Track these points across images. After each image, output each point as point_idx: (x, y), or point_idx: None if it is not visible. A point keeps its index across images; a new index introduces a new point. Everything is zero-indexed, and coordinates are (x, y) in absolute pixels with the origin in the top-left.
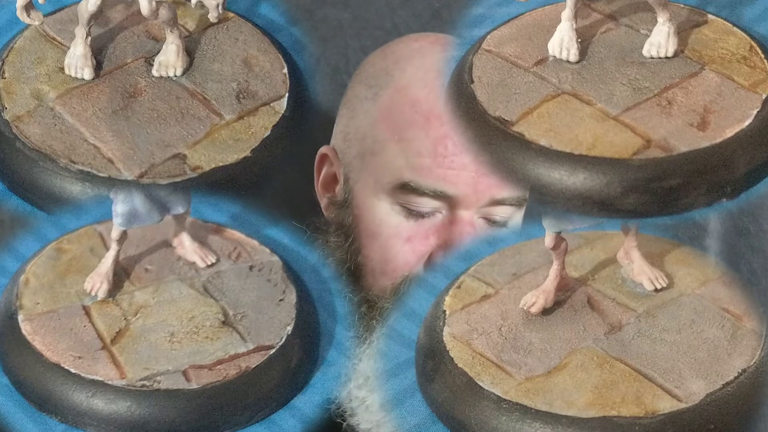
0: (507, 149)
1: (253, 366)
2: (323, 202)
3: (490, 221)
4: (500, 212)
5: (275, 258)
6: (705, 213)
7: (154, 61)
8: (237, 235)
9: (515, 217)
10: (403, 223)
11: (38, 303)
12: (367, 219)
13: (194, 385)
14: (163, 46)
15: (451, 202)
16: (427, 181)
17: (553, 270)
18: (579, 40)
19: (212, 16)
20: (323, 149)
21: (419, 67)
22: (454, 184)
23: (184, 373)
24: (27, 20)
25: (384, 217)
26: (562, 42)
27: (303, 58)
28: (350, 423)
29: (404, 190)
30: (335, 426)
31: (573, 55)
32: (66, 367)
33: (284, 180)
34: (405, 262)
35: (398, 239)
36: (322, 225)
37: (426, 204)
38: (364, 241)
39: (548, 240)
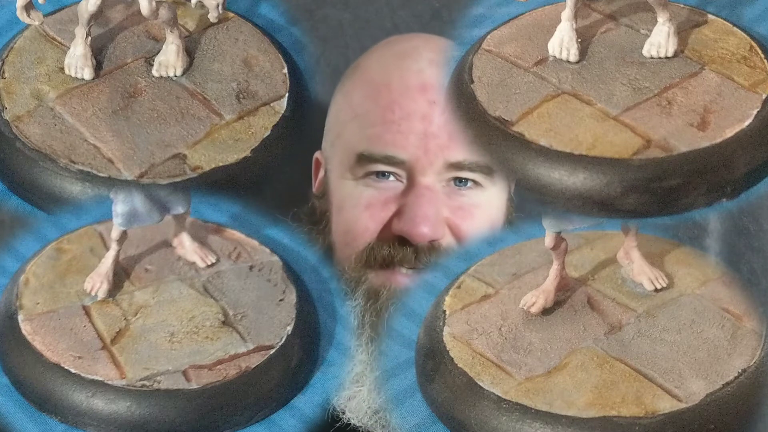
0: (507, 149)
1: (253, 366)
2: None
3: (458, 183)
4: (465, 175)
5: (275, 258)
6: (705, 213)
7: (154, 61)
8: (237, 235)
9: (487, 185)
10: (363, 192)
11: (38, 303)
12: (336, 198)
13: (194, 385)
14: (163, 46)
15: (405, 168)
16: (377, 148)
17: (553, 270)
18: (579, 40)
19: (212, 16)
20: (316, 154)
21: (381, 53)
22: (403, 147)
23: (184, 373)
24: (27, 20)
25: (349, 192)
26: (562, 42)
27: (303, 58)
28: (343, 419)
29: (361, 162)
30: (335, 425)
31: (573, 55)
32: (66, 367)
33: (284, 180)
34: (364, 229)
35: (358, 208)
36: (303, 215)
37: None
38: (333, 219)
39: (548, 240)
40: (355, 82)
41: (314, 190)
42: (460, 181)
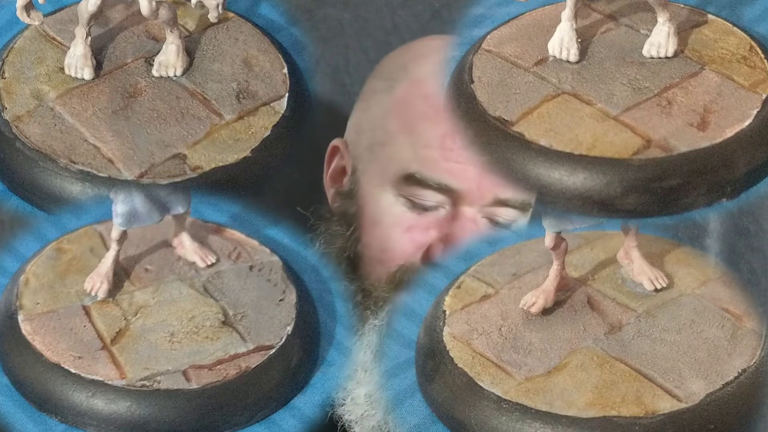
0: (507, 149)
1: (253, 366)
2: (330, 193)
3: (493, 222)
4: (504, 214)
5: (275, 258)
6: (705, 213)
7: (154, 61)
8: (237, 235)
9: (519, 221)
10: (405, 213)
11: (38, 303)
12: (371, 208)
13: (194, 385)
14: (163, 46)
15: (454, 196)
16: (432, 174)
17: (553, 270)
18: (579, 40)
19: (212, 16)
20: (335, 141)
21: (435, 62)
22: (459, 178)
23: (184, 373)
24: (27, 20)
25: (387, 207)
26: (562, 42)
27: (303, 58)
28: (338, 413)
29: (409, 181)
30: (334, 424)
31: (573, 55)
32: (66, 367)
33: (284, 180)
34: (402, 251)
35: (398, 228)
36: (326, 213)
37: (430, 197)
38: (365, 230)
39: (548, 240)
40: (409, 92)
41: (327, 177)
42: (497, 224)
